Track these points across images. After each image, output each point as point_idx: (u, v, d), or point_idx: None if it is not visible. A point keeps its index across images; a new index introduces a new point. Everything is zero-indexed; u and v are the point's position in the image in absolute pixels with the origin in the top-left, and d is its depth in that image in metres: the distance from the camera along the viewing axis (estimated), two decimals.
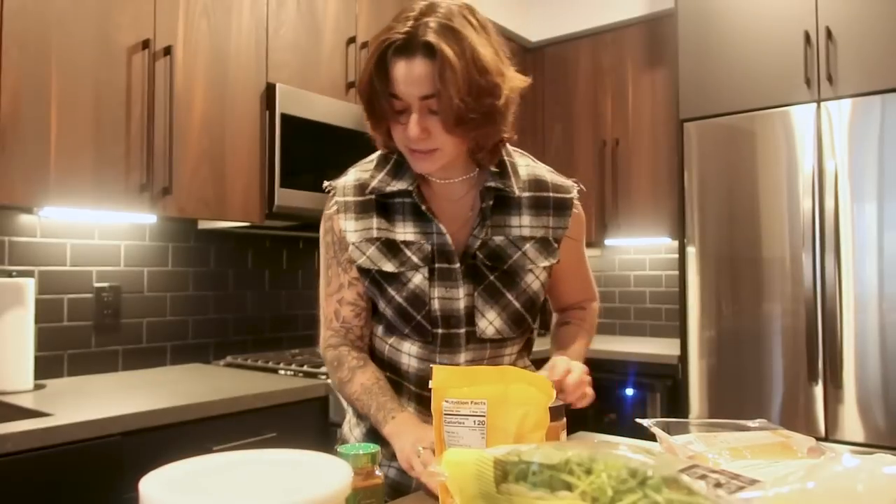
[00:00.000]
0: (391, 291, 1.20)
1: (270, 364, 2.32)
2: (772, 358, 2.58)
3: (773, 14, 2.63)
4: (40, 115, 1.79)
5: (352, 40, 2.61)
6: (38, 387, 1.96)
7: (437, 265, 1.19)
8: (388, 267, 1.19)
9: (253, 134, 2.28)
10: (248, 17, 2.28)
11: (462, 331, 1.19)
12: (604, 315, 3.77)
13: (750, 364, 2.62)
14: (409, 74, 1.05)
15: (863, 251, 2.41)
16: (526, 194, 1.24)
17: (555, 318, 1.43)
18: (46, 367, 2.08)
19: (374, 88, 1.09)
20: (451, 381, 0.91)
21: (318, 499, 0.45)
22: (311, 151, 2.36)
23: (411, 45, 1.04)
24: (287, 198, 2.28)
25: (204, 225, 2.46)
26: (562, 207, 1.26)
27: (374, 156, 1.28)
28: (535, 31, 3.67)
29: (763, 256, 2.61)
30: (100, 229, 2.24)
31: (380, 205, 1.23)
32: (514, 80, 1.12)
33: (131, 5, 1.98)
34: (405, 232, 1.21)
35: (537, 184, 1.25)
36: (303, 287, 2.85)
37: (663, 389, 2.90)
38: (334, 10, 2.57)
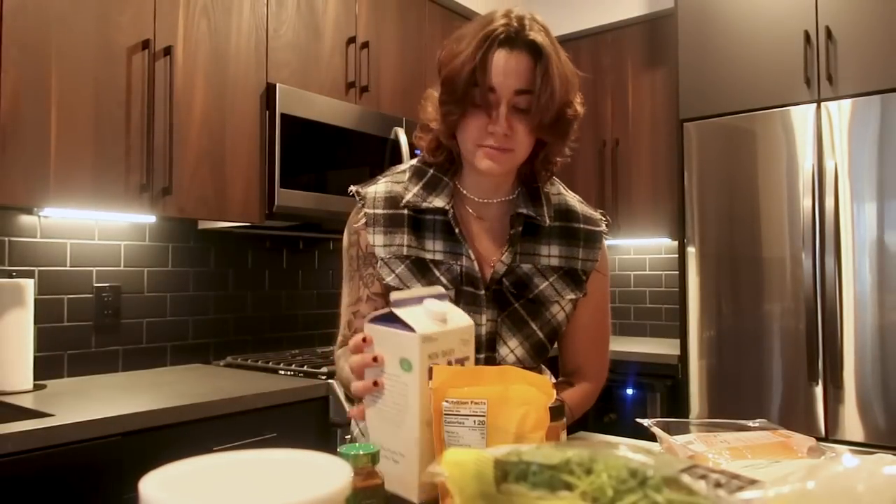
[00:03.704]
0: None
1: (270, 364, 2.32)
2: (772, 358, 2.58)
3: (772, 14, 2.63)
4: (40, 115, 1.79)
5: (352, 40, 2.61)
6: (38, 387, 1.96)
7: (464, 288, 1.17)
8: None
9: (253, 134, 2.28)
10: (248, 17, 2.28)
11: (482, 356, 1.17)
12: None
13: (750, 364, 2.62)
14: (510, 66, 1.07)
15: (863, 251, 2.41)
16: (556, 224, 1.21)
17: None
18: (46, 368, 2.08)
19: (470, 76, 1.08)
20: (451, 381, 0.91)
21: (318, 499, 0.45)
22: (311, 151, 2.36)
23: (517, 39, 1.07)
24: (287, 198, 2.28)
25: (204, 225, 2.46)
26: (591, 240, 1.23)
27: (406, 167, 1.25)
28: None
29: (763, 256, 2.61)
30: (100, 229, 2.24)
31: (410, 219, 1.20)
32: (579, 104, 1.15)
33: (131, 5, 1.98)
34: (434, 251, 1.19)
35: (568, 213, 1.23)
36: (303, 287, 2.85)
37: (663, 389, 2.90)
38: (334, 10, 2.57)
